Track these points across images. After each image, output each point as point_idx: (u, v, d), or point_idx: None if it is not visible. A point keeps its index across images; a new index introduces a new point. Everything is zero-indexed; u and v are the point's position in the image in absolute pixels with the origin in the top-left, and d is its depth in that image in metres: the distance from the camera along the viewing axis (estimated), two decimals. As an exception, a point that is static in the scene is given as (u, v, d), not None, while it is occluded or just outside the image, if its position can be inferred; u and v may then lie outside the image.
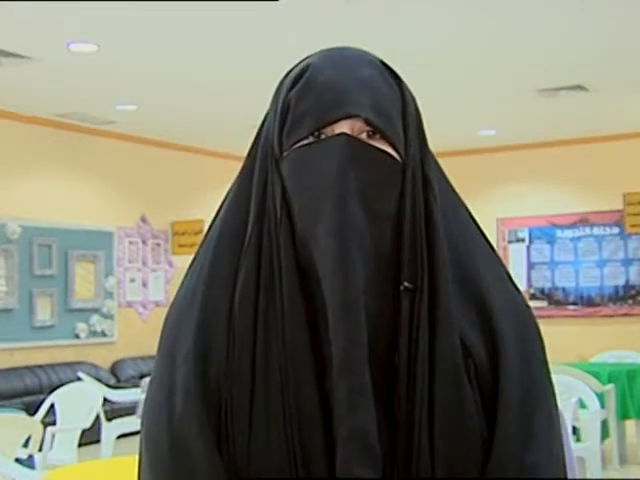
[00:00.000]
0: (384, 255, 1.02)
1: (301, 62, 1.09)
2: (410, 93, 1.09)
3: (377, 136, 1.03)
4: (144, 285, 10.03)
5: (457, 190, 1.12)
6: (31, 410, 6.35)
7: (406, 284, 1.01)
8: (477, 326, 1.04)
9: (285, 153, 1.05)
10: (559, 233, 10.67)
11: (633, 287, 10.26)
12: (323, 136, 1.03)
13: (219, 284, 1.06)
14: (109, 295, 9.51)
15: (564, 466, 1.06)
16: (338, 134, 1.02)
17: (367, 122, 1.02)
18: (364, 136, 1.03)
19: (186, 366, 1.03)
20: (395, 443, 0.99)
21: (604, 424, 6.28)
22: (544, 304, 10.64)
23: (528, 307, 1.10)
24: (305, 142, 1.04)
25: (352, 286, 0.97)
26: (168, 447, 1.01)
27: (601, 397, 6.16)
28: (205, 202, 10.16)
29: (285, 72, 1.11)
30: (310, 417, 0.98)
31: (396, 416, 0.99)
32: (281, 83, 1.09)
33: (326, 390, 0.99)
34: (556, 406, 1.07)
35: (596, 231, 10.46)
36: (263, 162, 1.07)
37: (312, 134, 1.03)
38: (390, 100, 1.05)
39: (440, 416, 0.99)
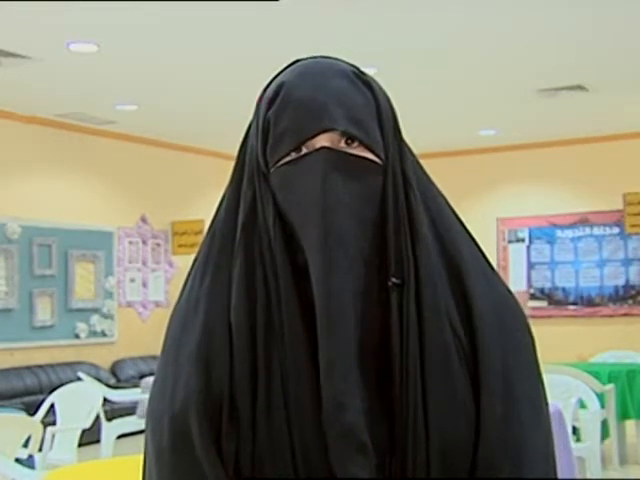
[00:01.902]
0: (371, 255, 1.06)
1: (275, 78, 1.13)
2: (383, 93, 1.13)
3: (355, 143, 1.07)
4: (144, 285, 10.03)
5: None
6: (31, 410, 6.35)
7: (394, 280, 1.05)
8: (461, 314, 1.07)
9: (272, 170, 1.09)
10: (559, 233, 10.67)
11: (633, 287, 10.26)
12: (304, 151, 1.07)
13: (221, 290, 1.09)
14: (109, 295, 9.51)
15: (553, 453, 1.09)
16: (318, 148, 1.06)
17: (345, 134, 1.06)
18: (343, 145, 1.07)
19: (189, 365, 1.06)
20: (392, 435, 1.02)
21: (604, 424, 6.28)
22: (544, 304, 10.64)
23: (511, 296, 1.14)
24: (287, 159, 1.07)
25: (337, 296, 1.01)
26: (169, 442, 1.05)
27: (601, 397, 6.16)
28: (205, 202, 10.16)
29: (263, 87, 1.14)
30: (310, 417, 1.01)
31: (393, 408, 1.03)
32: (259, 100, 1.13)
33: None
34: (544, 391, 1.11)
35: (596, 231, 10.46)
36: (250, 176, 1.11)
37: (293, 150, 1.07)
38: (364, 107, 1.09)
39: (434, 406, 1.02)
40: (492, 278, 1.13)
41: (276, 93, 1.09)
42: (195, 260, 1.14)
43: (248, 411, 1.03)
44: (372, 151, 1.08)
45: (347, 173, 1.06)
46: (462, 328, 1.06)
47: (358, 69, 1.13)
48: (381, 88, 1.13)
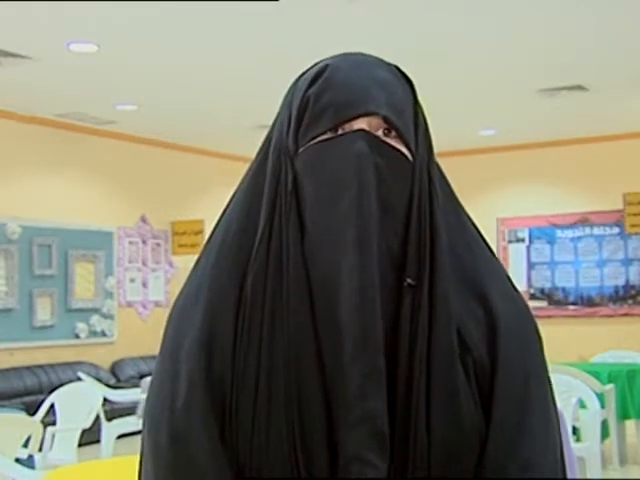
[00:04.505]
0: (394, 251, 1.05)
1: (317, 64, 1.12)
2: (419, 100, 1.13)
3: (392, 134, 1.07)
4: (144, 285, 10.03)
5: (457, 190, 1.15)
6: (31, 410, 6.35)
7: (409, 280, 1.04)
8: (480, 324, 1.07)
9: (301, 149, 1.07)
10: (559, 233, 10.67)
11: (633, 287, 10.26)
12: (341, 131, 1.05)
13: (224, 280, 1.07)
14: (109, 295, 9.51)
15: (562, 461, 1.08)
16: (356, 130, 1.05)
17: (385, 120, 1.05)
18: (380, 134, 1.06)
19: (190, 359, 1.04)
20: (394, 433, 1.01)
21: (604, 424, 6.28)
22: (544, 304, 10.64)
23: (527, 307, 1.13)
24: (324, 137, 1.06)
25: (369, 278, 1.00)
26: (168, 439, 1.03)
27: (601, 397, 6.15)
28: (205, 202, 10.16)
29: (298, 75, 1.14)
30: (311, 408, 1.00)
31: (396, 407, 1.01)
32: (295, 83, 1.12)
33: (327, 381, 1.01)
34: (555, 404, 1.10)
35: (596, 231, 10.46)
36: (276, 162, 1.09)
37: (330, 130, 1.06)
38: (405, 101, 1.09)
39: (436, 406, 1.01)
40: (506, 282, 1.12)
41: (318, 73, 1.09)
42: (198, 258, 1.13)
43: (250, 404, 1.01)
44: (406, 146, 1.07)
45: (382, 159, 1.05)
46: (480, 334, 1.06)
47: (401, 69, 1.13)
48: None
